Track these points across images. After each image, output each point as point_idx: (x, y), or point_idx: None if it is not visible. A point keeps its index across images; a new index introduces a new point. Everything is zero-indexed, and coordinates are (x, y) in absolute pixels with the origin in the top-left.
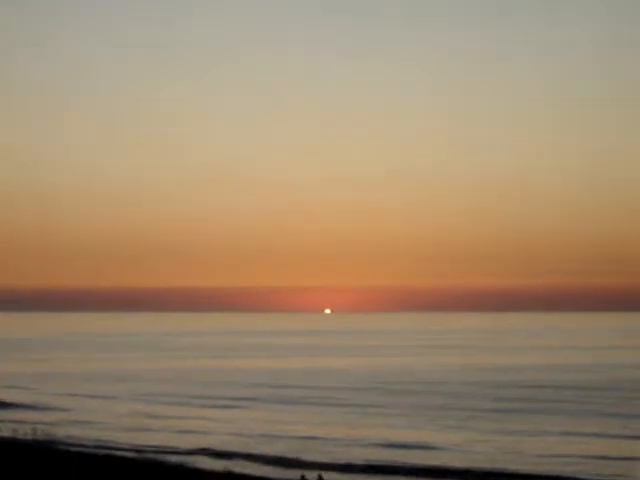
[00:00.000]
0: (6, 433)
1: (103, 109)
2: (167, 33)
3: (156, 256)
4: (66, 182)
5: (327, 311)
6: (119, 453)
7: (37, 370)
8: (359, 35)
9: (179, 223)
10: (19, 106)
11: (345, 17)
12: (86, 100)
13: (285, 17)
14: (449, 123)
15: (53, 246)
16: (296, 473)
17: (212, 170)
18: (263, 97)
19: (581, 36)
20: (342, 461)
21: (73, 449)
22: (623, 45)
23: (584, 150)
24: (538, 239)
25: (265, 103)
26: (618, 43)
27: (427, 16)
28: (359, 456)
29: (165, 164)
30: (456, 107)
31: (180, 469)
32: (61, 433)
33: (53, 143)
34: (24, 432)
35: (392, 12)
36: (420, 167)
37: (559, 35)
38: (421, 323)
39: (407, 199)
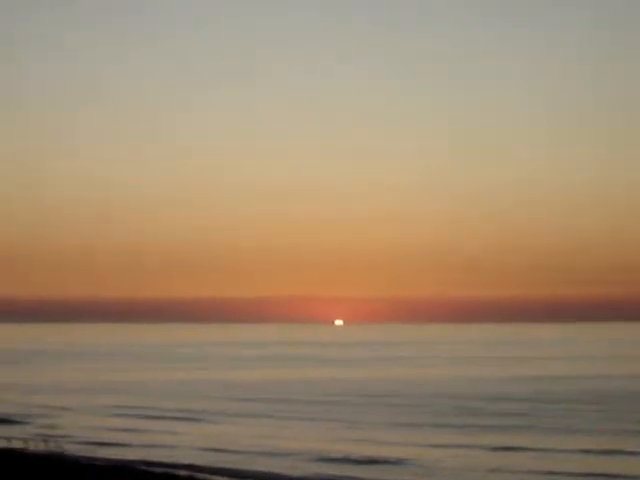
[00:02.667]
0: (16, 445)
1: (106, 112)
2: (168, 34)
3: (162, 266)
4: (69, 191)
5: (338, 322)
6: (129, 465)
7: (24, 382)
8: (358, 36)
9: (186, 233)
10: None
11: (346, 20)
12: (91, 106)
13: (288, 19)
14: (449, 130)
15: (56, 255)
16: None
17: (218, 175)
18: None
19: (582, 39)
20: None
21: (84, 461)
22: (625, 49)
23: (588, 157)
24: (541, 248)
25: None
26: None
27: (425, 21)
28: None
29: (174, 169)
30: (456, 112)
31: None
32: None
33: (54, 151)
34: (35, 444)
35: (392, 14)
36: (435, 176)
37: (561, 40)
38: (430, 334)
39: (421, 208)
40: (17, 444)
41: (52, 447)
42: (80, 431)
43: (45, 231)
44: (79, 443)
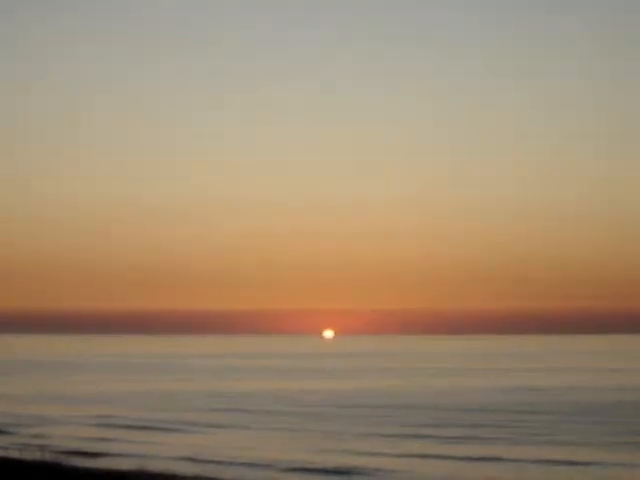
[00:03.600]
0: (12, 453)
1: (111, 126)
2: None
3: (157, 279)
4: (71, 199)
5: (327, 334)
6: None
7: (10, 392)
8: (356, 50)
9: (176, 247)
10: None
11: (348, 37)
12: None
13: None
14: (449, 144)
15: (52, 267)
16: None
17: (210, 189)
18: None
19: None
20: None
21: (81, 469)
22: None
23: (583, 175)
24: (532, 262)
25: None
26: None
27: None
28: None
29: (162, 183)
30: (456, 125)
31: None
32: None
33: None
34: (31, 452)
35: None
36: (425, 191)
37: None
38: (419, 346)
39: (411, 222)
40: (13, 453)
41: (47, 456)
42: (63, 441)
43: (41, 243)
44: (62, 453)
